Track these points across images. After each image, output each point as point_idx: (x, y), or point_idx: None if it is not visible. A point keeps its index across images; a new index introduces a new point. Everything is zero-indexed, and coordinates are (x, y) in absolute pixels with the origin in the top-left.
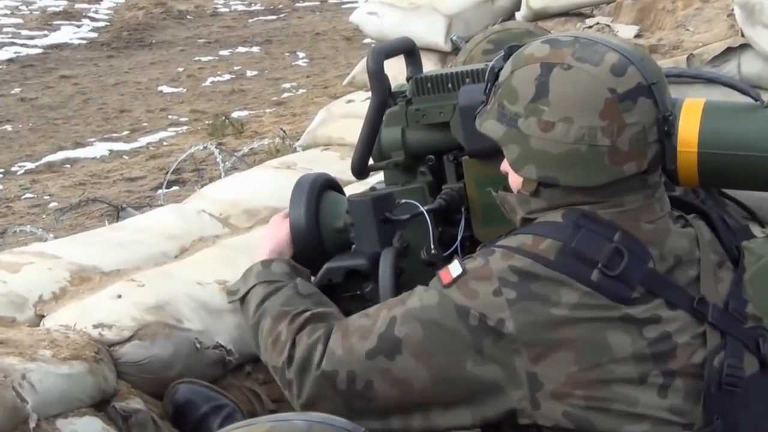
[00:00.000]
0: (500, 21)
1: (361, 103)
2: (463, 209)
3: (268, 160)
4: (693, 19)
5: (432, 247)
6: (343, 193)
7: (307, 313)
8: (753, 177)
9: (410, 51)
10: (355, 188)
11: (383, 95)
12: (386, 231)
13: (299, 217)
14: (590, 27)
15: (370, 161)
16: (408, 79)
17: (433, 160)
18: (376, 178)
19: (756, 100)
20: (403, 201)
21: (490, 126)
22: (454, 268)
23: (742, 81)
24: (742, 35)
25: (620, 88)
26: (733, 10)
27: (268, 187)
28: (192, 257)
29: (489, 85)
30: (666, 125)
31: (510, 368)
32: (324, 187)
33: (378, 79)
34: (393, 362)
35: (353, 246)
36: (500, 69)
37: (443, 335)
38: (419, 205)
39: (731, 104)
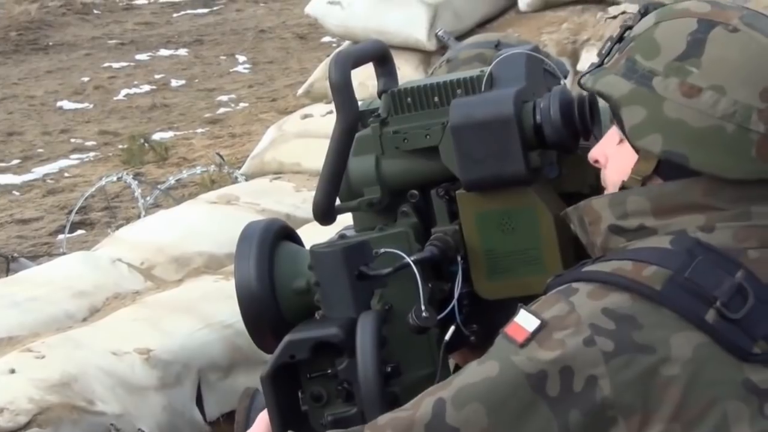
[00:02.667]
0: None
1: (321, 118)
2: (459, 258)
3: (202, 194)
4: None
5: (423, 308)
6: (301, 243)
7: None
8: None
9: (382, 57)
10: (313, 235)
11: (352, 115)
12: (362, 290)
13: (248, 277)
14: (614, 17)
15: (338, 201)
16: (380, 94)
17: (417, 197)
18: (344, 223)
19: None
20: (383, 250)
21: (610, 81)
22: (527, 320)
23: None
24: None
25: None
26: None
27: (202, 228)
28: (106, 319)
29: (611, 45)
30: None
31: None
32: (278, 237)
33: (345, 94)
34: None
35: (320, 311)
36: (632, 25)
37: (513, 416)
38: (404, 254)
39: None
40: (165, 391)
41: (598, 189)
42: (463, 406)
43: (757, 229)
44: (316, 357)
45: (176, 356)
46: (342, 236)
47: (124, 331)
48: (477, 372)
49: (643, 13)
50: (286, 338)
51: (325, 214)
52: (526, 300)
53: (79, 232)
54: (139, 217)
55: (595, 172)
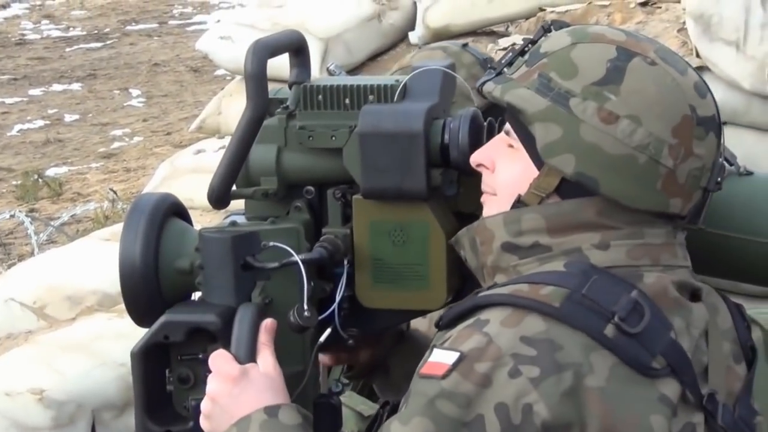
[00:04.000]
0: (410, 44)
1: (213, 153)
2: (346, 261)
3: (96, 230)
4: None
5: (305, 308)
6: (191, 223)
7: None
8: (722, 260)
9: (299, 49)
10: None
11: (262, 105)
12: (245, 280)
13: (133, 251)
14: (503, 49)
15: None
16: (291, 85)
17: (313, 193)
18: (234, 208)
19: (731, 165)
20: (271, 244)
21: (522, 94)
22: (443, 356)
23: None
24: (697, 55)
25: (700, 110)
26: (684, 23)
27: (95, 266)
28: None
29: (513, 56)
30: (720, 176)
31: None
32: (168, 213)
33: (258, 82)
34: None
35: (198, 294)
36: (539, 38)
37: None
38: (293, 252)
39: None
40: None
41: None
42: None
43: (649, 247)
44: (189, 340)
45: (70, 396)
46: (233, 223)
47: (17, 372)
48: (410, 429)
49: (547, 29)
50: (163, 318)
51: (219, 199)
52: (404, 314)
53: None
54: (32, 254)
55: None
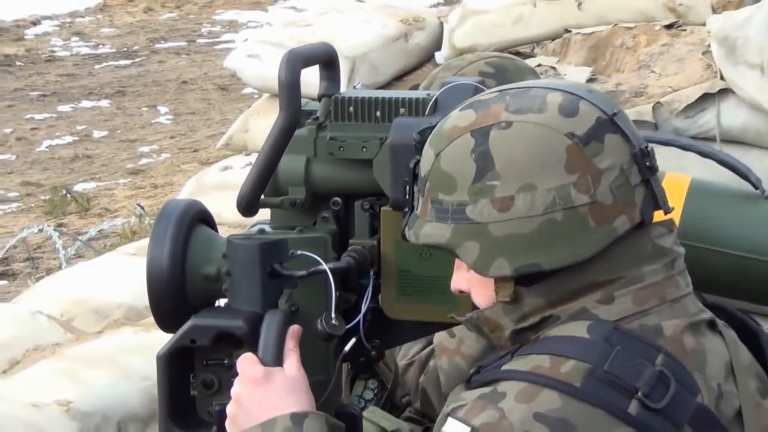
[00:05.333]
0: (437, 64)
1: (240, 170)
2: (372, 273)
3: (123, 245)
4: (660, 58)
5: (333, 317)
6: (216, 230)
7: None
8: (743, 282)
9: (330, 61)
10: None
11: (295, 114)
12: (272, 288)
13: (160, 256)
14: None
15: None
16: (320, 97)
17: (340, 204)
18: (260, 217)
19: (756, 188)
20: (299, 252)
21: (430, 231)
22: (455, 428)
23: (723, 135)
24: (722, 78)
25: (579, 129)
26: (709, 46)
27: (122, 280)
28: (25, 372)
29: (408, 188)
30: (646, 159)
31: None
32: (196, 219)
33: (291, 93)
34: None
35: (224, 301)
36: (416, 163)
37: None
38: (321, 261)
39: (723, 188)
40: None
41: None
42: None
43: (653, 288)
44: (215, 345)
45: (96, 408)
46: (261, 231)
47: (44, 384)
48: None
49: (417, 146)
50: (191, 322)
51: (249, 206)
52: (428, 326)
53: (1, 282)
54: (60, 268)
55: None
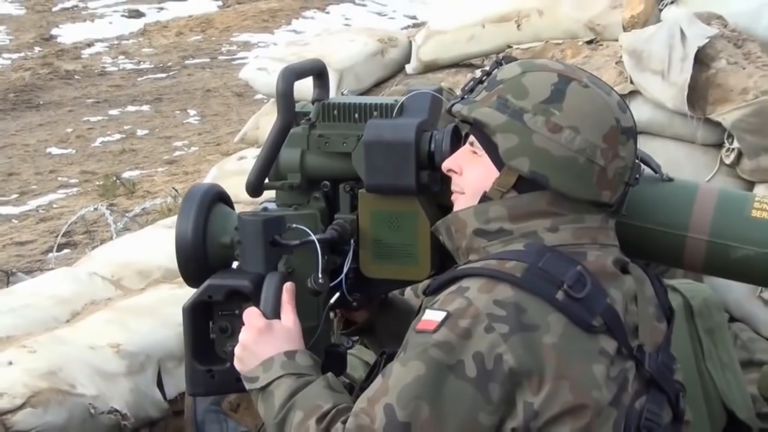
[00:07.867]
0: (400, 77)
1: (253, 160)
2: (352, 241)
3: (161, 220)
4: (582, 67)
5: (320, 276)
6: (233, 207)
7: (333, 411)
8: (649, 248)
9: (320, 73)
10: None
11: (289, 117)
12: (272, 254)
13: (186, 228)
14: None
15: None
16: (313, 102)
17: (328, 187)
18: (267, 196)
19: (656, 173)
20: (294, 226)
21: (486, 112)
22: (433, 314)
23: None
24: (631, 82)
25: (623, 122)
26: (621, 57)
27: (160, 247)
28: (84, 321)
29: (474, 84)
30: (637, 174)
31: (512, 403)
32: (215, 199)
33: (286, 100)
34: None
35: (236, 264)
36: (493, 69)
37: (448, 401)
38: (310, 232)
39: None
40: (132, 377)
41: None
42: (407, 405)
43: (589, 230)
44: (228, 299)
45: (140, 349)
46: (265, 209)
47: (98, 330)
48: (406, 373)
49: (498, 62)
50: (208, 282)
51: (255, 189)
52: (397, 283)
53: (65, 251)
54: (111, 239)
55: None
